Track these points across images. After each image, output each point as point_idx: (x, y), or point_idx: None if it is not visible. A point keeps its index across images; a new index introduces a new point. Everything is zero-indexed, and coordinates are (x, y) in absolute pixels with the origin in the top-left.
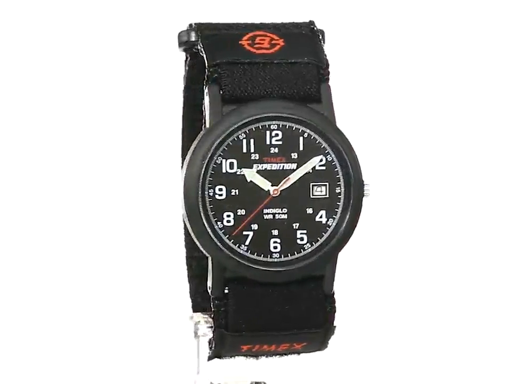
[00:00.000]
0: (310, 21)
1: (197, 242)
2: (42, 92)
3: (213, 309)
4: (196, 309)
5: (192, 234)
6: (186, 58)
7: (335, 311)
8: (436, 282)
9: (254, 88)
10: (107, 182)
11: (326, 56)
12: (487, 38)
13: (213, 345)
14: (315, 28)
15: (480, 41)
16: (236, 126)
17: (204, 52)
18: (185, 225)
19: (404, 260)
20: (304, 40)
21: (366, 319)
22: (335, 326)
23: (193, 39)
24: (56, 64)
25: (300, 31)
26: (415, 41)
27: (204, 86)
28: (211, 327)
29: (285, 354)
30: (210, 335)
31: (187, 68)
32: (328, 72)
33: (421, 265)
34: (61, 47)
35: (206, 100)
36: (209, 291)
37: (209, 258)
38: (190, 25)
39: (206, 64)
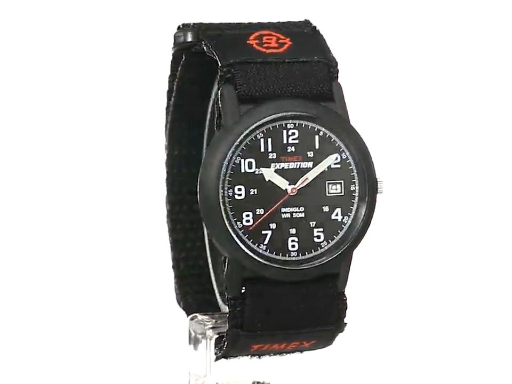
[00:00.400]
0: (306, 19)
1: (216, 243)
2: (31, 92)
3: (228, 309)
4: (189, 310)
5: (211, 235)
6: (179, 58)
7: (346, 308)
8: (444, 281)
9: (268, 88)
10: (91, 182)
11: (332, 54)
12: (495, 29)
13: (224, 346)
14: (317, 27)
15: (487, 33)
16: (254, 126)
17: (213, 52)
18: (171, 225)
19: (411, 256)
20: (309, 39)
21: (372, 317)
22: (345, 323)
23: (192, 39)
24: (42, 62)
25: (302, 30)
26: (411, 39)
27: (218, 87)
28: (213, 327)
29: (290, 352)
30: (213, 335)
31: (180, 68)
32: (338, 70)
33: (428, 262)
34: (47, 45)
35: (221, 100)
36: (225, 291)
37: (226, 259)
38: (185, 25)
39: (219, 64)
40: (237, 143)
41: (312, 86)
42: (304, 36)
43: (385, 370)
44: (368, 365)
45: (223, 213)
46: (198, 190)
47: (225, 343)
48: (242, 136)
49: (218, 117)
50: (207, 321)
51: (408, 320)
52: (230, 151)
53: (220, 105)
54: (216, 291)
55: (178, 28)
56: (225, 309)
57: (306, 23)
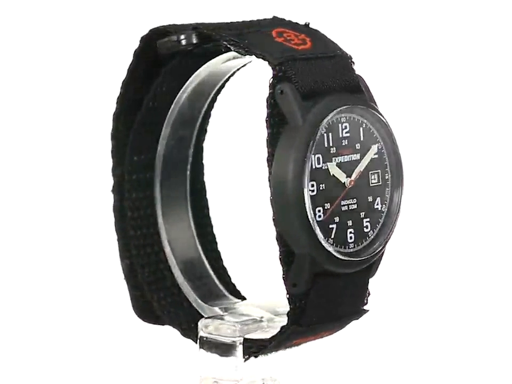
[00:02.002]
0: (274, 16)
1: (291, 241)
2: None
3: (290, 306)
4: (167, 315)
5: (286, 233)
6: (163, 62)
7: (369, 295)
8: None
9: (317, 83)
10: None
11: None
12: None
13: (270, 344)
14: (309, 24)
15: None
16: (325, 122)
17: (254, 52)
18: (133, 232)
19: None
20: (318, 35)
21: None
22: (367, 310)
23: (196, 40)
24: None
25: (298, 26)
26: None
27: (272, 85)
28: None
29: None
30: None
31: (164, 73)
32: (354, 63)
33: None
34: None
35: (282, 98)
36: (291, 289)
37: (289, 257)
38: (180, 26)
39: (271, 63)
40: (311, 140)
41: (346, 79)
42: (311, 32)
43: (400, 367)
44: (375, 363)
45: (307, 210)
46: (273, 188)
47: (272, 342)
48: (314, 133)
49: (273, 116)
50: (236, 323)
51: (414, 317)
52: (309, 149)
53: (280, 103)
54: (191, 294)
55: (161, 31)
56: (209, 311)
57: (280, 18)
